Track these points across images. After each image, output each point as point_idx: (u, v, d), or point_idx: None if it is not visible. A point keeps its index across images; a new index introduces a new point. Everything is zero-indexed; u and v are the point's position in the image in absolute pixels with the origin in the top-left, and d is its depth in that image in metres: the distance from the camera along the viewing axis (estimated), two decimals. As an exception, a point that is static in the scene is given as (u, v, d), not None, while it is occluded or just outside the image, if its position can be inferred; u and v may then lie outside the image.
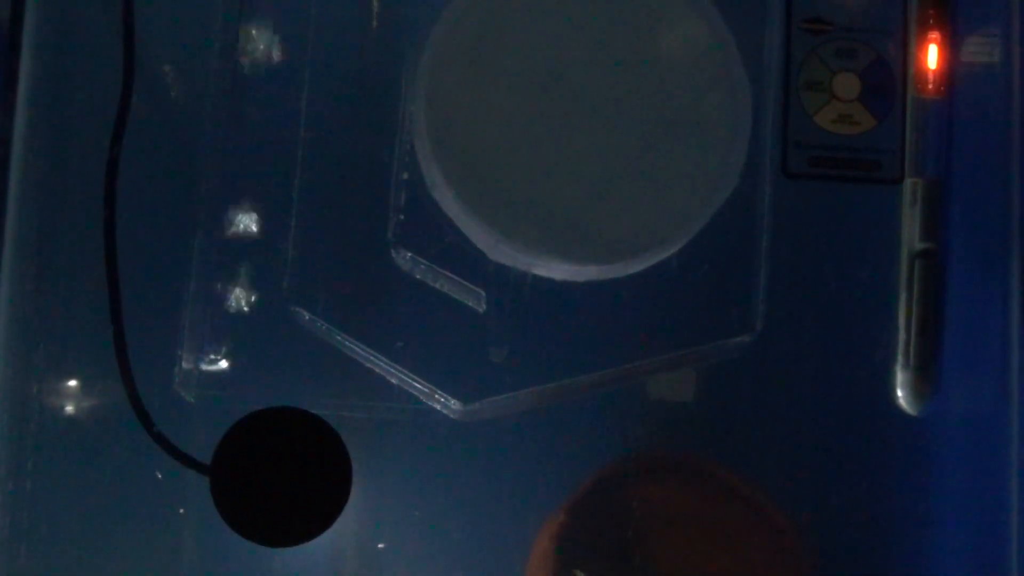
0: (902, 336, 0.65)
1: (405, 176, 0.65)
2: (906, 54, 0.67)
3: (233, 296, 0.64)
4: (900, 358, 0.65)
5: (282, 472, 0.57)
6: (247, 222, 0.65)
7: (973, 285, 0.66)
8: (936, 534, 0.65)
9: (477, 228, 0.63)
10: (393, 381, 0.64)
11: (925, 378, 0.65)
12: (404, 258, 0.65)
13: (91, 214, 0.62)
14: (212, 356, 0.64)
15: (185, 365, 0.64)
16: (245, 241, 0.65)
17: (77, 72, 0.66)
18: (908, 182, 0.66)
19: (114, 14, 0.64)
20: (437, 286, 0.65)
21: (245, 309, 0.64)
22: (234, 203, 0.65)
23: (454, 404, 0.64)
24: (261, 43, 0.66)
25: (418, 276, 0.65)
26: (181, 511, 0.63)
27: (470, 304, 0.64)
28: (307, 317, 0.64)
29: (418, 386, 0.64)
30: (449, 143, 0.63)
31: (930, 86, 0.67)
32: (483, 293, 0.64)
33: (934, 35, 0.67)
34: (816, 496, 0.65)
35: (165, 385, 0.63)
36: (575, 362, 0.64)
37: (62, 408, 0.64)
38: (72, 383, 0.64)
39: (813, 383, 0.66)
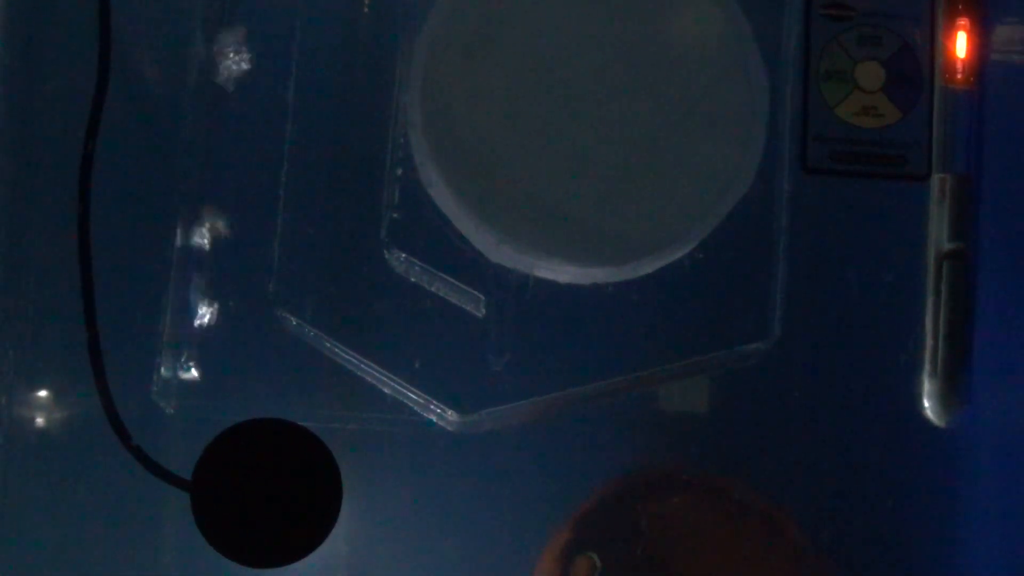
0: (929, 342, 0.65)
1: (399, 172, 0.64)
2: (934, 42, 0.67)
3: (215, 300, 0.64)
4: (927, 366, 0.65)
5: (267, 488, 0.57)
6: (230, 221, 0.64)
7: (1005, 287, 0.66)
8: (966, 554, 0.64)
9: (476, 227, 0.63)
10: (386, 391, 0.64)
11: (954, 387, 0.64)
12: (398, 259, 0.64)
13: (64, 211, 0.62)
14: (193, 364, 0.64)
15: (164, 373, 0.63)
16: (228, 241, 0.64)
17: (50, 63, 0.65)
18: (936, 178, 0.66)
19: (89, 3, 0.63)
20: (433, 289, 0.64)
21: (228, 313, 0.64)
22: (216, 201, 0.64)
23: (451, 415, 0.63)
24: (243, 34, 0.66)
25: (413, 279, 0.64)
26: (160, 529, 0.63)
27: (468, 308, 0.64)
28: (294, 322, 0.64)
29: (413, 396, 0.63)
30: (446, 136, 0.63)
31: (959, 76, 0.66)
32: (482, 297, 0.64)
33: (963, 21, 0.66)
34: (837, 513, 0.64)
35: (143, 395, 0.63)
36: (580, 370, 0.64)
37: (32, 419, 0.64)
38: (43, 393, 0.64)
39: (834, 393, 0.65)
